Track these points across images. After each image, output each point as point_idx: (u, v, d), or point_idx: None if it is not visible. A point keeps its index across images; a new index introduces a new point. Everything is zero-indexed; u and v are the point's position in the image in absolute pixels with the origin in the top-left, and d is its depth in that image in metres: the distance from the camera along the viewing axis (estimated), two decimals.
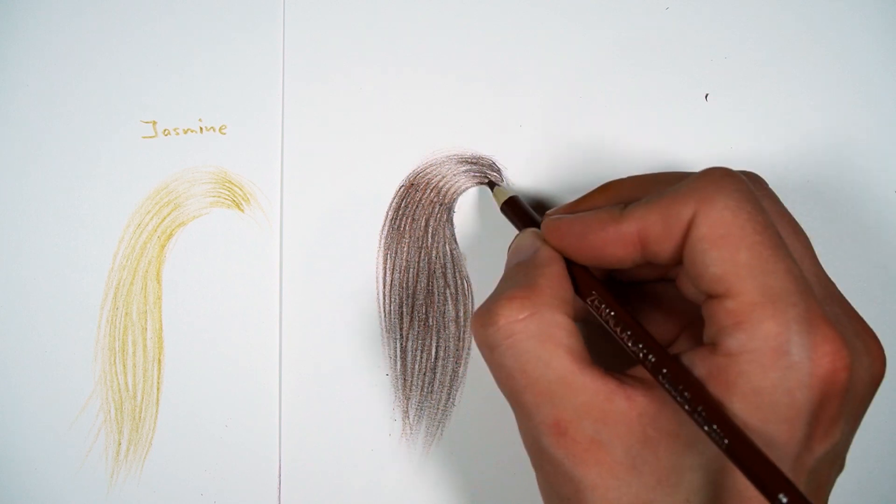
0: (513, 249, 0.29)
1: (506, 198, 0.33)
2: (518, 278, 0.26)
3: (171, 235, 0.36)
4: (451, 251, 0.35)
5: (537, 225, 0.30)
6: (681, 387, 0.23)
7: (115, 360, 0.35)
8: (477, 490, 0.35)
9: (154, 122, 0.36)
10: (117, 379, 0.35)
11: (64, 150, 0.36)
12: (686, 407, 0.23)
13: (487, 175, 0.34)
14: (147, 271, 0.36)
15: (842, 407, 0.23)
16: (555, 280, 0.26)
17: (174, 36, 0.36)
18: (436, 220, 0.35)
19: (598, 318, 0.26)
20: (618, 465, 0.24)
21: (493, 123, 0.35)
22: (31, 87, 0.36)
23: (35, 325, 0.35)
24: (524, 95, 0.35)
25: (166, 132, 0.36)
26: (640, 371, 0.25)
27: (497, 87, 0.36)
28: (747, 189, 0.24)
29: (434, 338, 0.35)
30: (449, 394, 0.35)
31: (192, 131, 0.36)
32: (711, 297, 0.23)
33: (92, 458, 0.35)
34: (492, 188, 0.34)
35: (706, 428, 0.22)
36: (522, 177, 0.35)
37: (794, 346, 0.22)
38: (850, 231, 0.35)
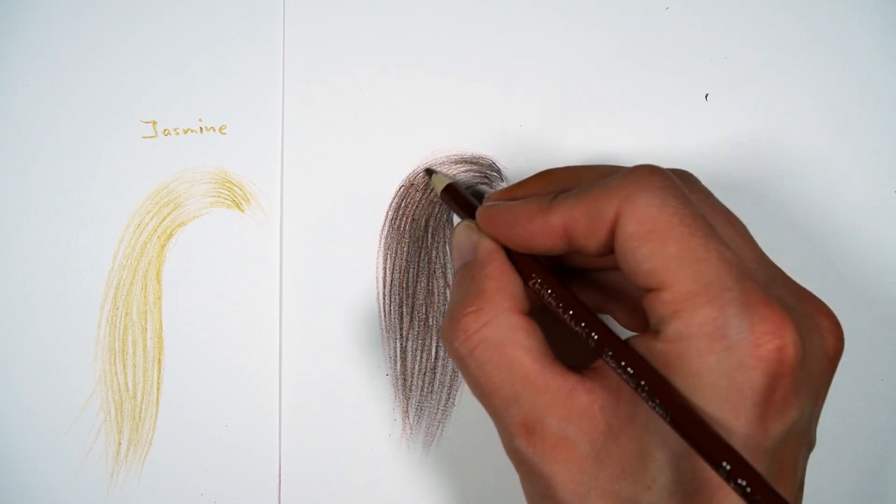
0: (453, 246, 0.29)
1: (444, 185, 0.32)
2: (467, 285, 0.27)
3: (171, 235, 0.36)
4: (451, 251, 0.35)
5: (474, 211, 0.30)
6: (624, 363, 0.23)
7: (115, 360, 0.35)
8: (477, 490, 0.35)
9: (154, 122, 0.36)
10: (117, 379, 0.35)
11: (64, 150, 0.36)
12: (631, 383, 0.23)
13: (431, 167, 0.34)
14: (147, 271, 0.36)
15: (794, 385, 0.23)
16: (501, 279, 0.26)
17: (174, 36, 0.36)
18: (436, 220, 0.35)
19: (543, 301, 0.26)
20: (584, 459, 0.24)
21: (493, 123, 0.35)
22: (31, 87, 0.36)
23: (35, 325, 0.35)
24: (524, 95, 0.35)
25: (166, 132, 0.36)
26: (600, 363, 0.26)
27: (497, 87, 0.36)
28: (672, 185, 0.24)
29: (434, 338, 0.35)
30: (449, 394, 0.35)
31: (192, 131, 0.36)
32: (648, 290, 0.24)
33: (92, 458, 0.35)
34: (430, 175, 0.34)
35: (650, 403, 0.23)
36: (522, 177, 0.35)
37: (731, 329, 0.22)
38: (849, 231, 0.35)
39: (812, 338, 0.24)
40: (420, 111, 0.36)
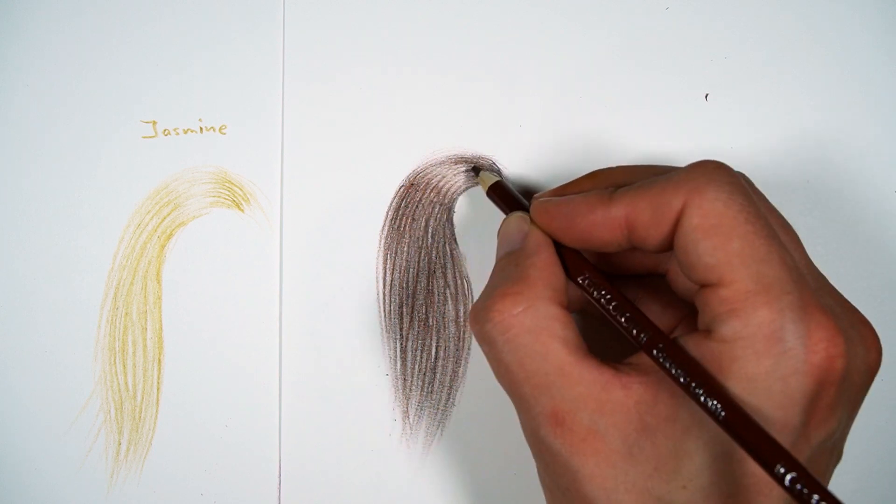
0: (501, 235, 0.29)
1: (492, 182, 0.32)
2: (510, 271, 0.27)
3: (171, 235, 0.36)
4: (451, 251, 0.35)
5: (525, 209, 0.30)
6: (675, 363, 0.23)
7: (115, 360, 0.35)
8: (477, 490, 0.35)
9: (154, 122, 0.36)
10: (117, 379, 0.35)
11: (64, 150, 0.36)
12: (681, 380, 0.23)
13: (475, 162, 0.34)
14: (147, 271, 0.36)
15: (838, 395, 0.23)
16: (546, 270, 0.26)
17: (174, 36, 0.36)
18: (436, 220, 0.35)
19: (590, 298, 0.26)
20: (614, 453, 0.24)
21: (493, 123, 0.35)
22: (31, 88, 0.36)
23: (35, 325, 0.35)
24: (524, 95, 0.35)
25: (166, 132, 0.36)
26: (636, 359, 0.26)
27: (497, 87, 0.36)
28: (738, 181, 0.24)
29: (434, 338, 0.35)
30: (449, 394, 0.35)
31: (192, 131, 0.36)
32: (705, 286, 0.23)
33: (92, 458, 0.35)
34: (476, 173, 0.34)
35: (702, 401, 0.22)
36: (523, 177, 0.35)
37: (788, 334, 0.22)
38: (849, 231, 0.35)
39: (856, 350, 0.24)
40: (420, 111, 0.36)
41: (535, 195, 0.30)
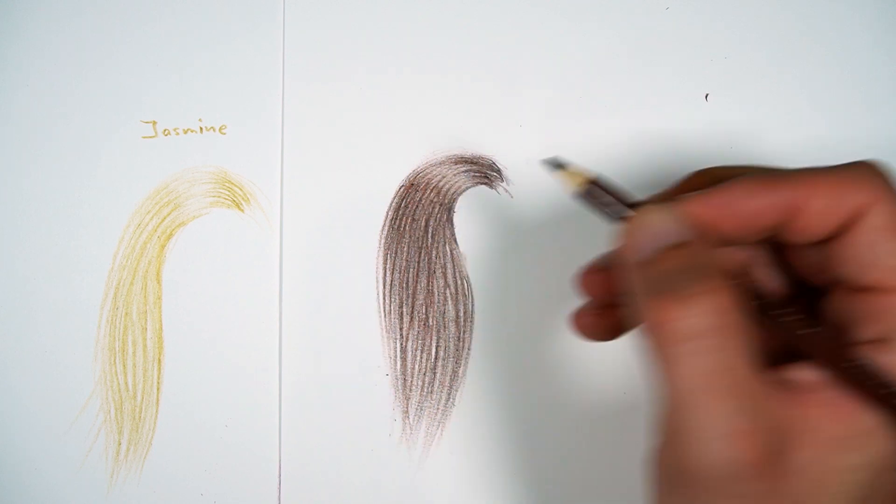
0: (636, 235, 0.24)
1: (588, 179, 0.26)
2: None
3: (171, 235, 0.36)
4: (451, 251, 0.35)
5: (631, 208, 0.25)
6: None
7: (115, 360, 0.35)
8: (477, 490, 0.35)
9: (154, 122, 0.36)
10: (117, 379, 0.35)
11: (64, 150, 0.36)
12: None
13: (557, 160, 0.26)
14: (147, 271, 0.36)
15: None
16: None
17: (174, 36, 0.36)
18: (436, 220, 0.35)
19: (773, 318, 0.24)
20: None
21: (493, 123, 0.35)
22: (32, 87, 0.36)
23: (35, 325, 0.35)
24: (524, 95, 0.35)
25: (166, 132, 0.36)
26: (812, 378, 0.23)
27: (497, 87, 0.35)
28: None
29: (434, 338, 0.35)
30: (449, 394, 0.35)
31: (192, 131, 0.36)
32: (876, 290, 0.22)
33: (92, 458, 0.35)
34: (557, 168, 0.26)
35: None
36: (522, 177, 0.35)
37: None
38: None
39: None
40: (420, 111, 0.36)
41: (643, 201, 0.25)
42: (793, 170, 0.24)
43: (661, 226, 0.23)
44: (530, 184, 0.35)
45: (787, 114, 0.35)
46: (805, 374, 0.22)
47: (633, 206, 0.25)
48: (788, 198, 0.23)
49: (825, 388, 0.22)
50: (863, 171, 0.23)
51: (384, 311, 0.35)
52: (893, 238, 0.22)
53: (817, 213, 0.23)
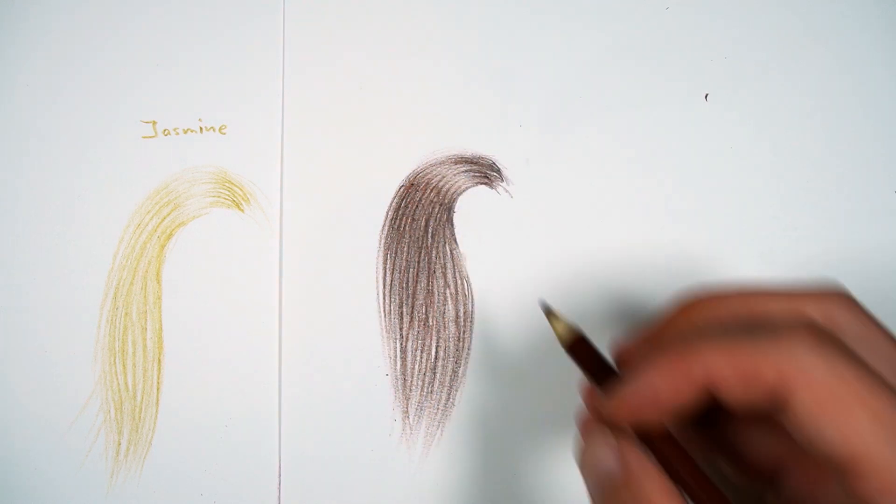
0: (587, 467, 0.25)
1: (573, 337, 0.27)
2: None
3: (171, 235, 0.36)
4: (451, 251, 0.35)
5: (610, 369, 0.26)
6: None
7: (115, 360, 0.35)
8: (477, 490, 0.35)
9: (154, 122, 0.36)
10: (117, 379, 0.35)
11: (64, 149, 0.36)
12: None
13: (544, 305, 0.28)
14: (147, 271, 0.36)
15: None
16: (665, 496, 0.23)
17: (174, 36, 0.36)
18: (436, 220, 0.35)
19: None
20: None
21: (493, 123, 0.35)
22: (31, 87, 0.36)
23: (35, 325, 0.35)
24: (524, 95, 0.35)
25: (166, 132, 0.36)
26: None
27: (497, 87, 0.36)
28: (839, 348, 0.22)
29: (434, 338, 0.35)
30: (449, 394, 0.35)
31: (192, 131, 0.36)
32: (836, 464, 0.21)
33: (92, 458, 0.35)
34: (548, 316, 0.27)
35: None
36: (522, 177, 0.35)
37: None
38: (849, 231, 0.35)
39: None
40: (420, 111, 0.36)
41: (615, 342, 0.27)
42: (733, 336, 0.23)
43: (604, 462, 0.24)
44: (530, 184, 0.35)
45: (787, 114, 0.35)
46: None
47: (605, 373, 0.26)
48: (699, 377, 0.23)
49: None
50: (788, 340, 0.22)
51: (384, 311, 0.35)
52: (825, 414, 0.21)
53: (729, 389, 0.22)
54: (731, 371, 0.22)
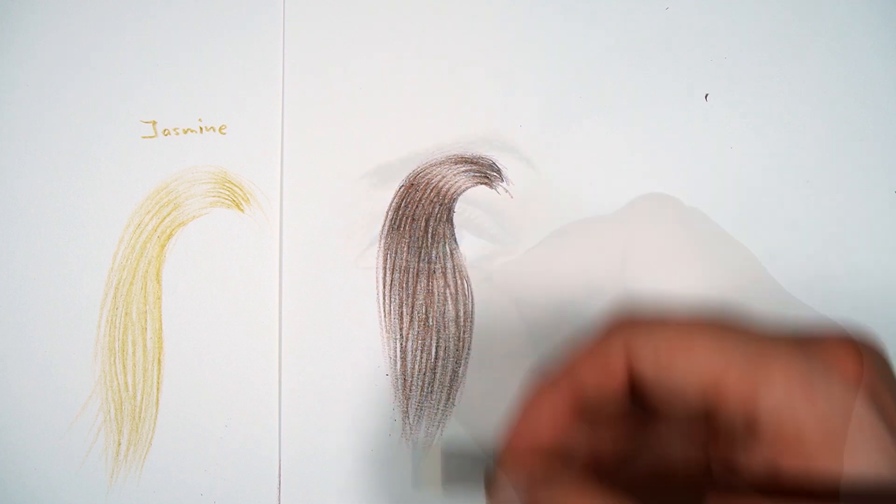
0: None
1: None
2: None
3: (171, 235, 0.36)
4: (451, 251, 0.35)
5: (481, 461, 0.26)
6: None
7: (114, 360, 0.35)
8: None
9: (154, 122, 0.36)
10: (117, 379, 0.35)
11: (63, 149, 0.36)
12: None
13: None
14: (147, 271, 0.36)
15: None
16: None
17: (174, 36, 0.36)
18: (436, 220, 0.35)
19: None
20: None
21: (493, 123, 0.35)
22: (31, 87, 0.36)
23: (35, 325, 0.35)
24: (524, 95, 0.35)
25: (166, 132, 0.36)
26: None
27: (497, 86, 0.36)
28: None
29: (434, 338, 0.35)
30: (449, 394, 0.35)
31: (192, 131, 0.36)
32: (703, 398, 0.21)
33: (92, 458, 0.35)
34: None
35: None
36: (522, 177, 0.35)
37: None
38: (849, 231, 0.35)
39: None
40: (420, 111, 0.36)
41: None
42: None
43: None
44: (530, 184, 0.35)
45: (787, 114, 0.35)
46: None
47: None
48: (569, 399, 0.23)
49: None
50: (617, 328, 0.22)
51: (384, 311, 0.35)
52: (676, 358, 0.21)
53: (601, 393, 0.23)
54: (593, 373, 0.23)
